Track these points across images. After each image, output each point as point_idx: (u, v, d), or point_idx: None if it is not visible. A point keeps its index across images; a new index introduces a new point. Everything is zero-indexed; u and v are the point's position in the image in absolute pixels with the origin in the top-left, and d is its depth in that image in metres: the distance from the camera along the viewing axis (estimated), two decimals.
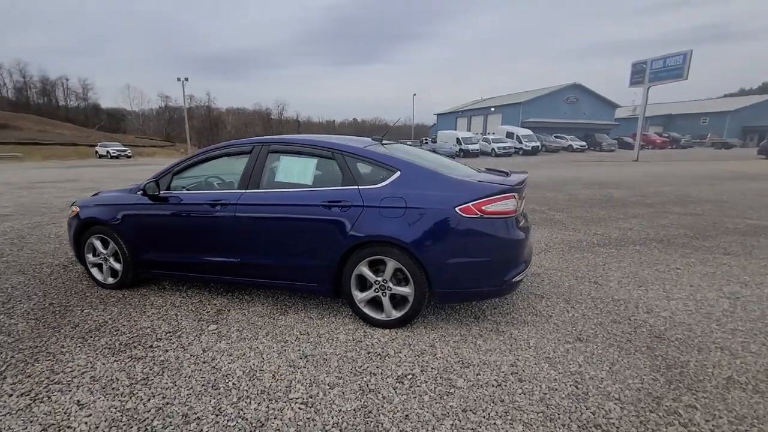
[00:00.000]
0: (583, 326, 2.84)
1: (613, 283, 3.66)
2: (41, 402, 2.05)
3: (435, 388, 2.16)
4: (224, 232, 3.13)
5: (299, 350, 2.56)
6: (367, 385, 2.19)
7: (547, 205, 8.02)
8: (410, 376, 2.27)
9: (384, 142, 3.53)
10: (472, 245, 2.63)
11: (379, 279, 2.78)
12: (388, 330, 2.81)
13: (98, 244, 3.61)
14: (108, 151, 33.64)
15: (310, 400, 2.07)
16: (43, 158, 33.82)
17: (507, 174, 3.20)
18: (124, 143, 41.17)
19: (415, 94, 52.40)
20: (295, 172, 3.06)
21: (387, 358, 2.46)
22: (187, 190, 3.42)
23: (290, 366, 2.38)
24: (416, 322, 2.93)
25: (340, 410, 1.99)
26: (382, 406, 2.01)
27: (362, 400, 2.06)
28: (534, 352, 2.51)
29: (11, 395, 2.10)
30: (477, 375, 2.27)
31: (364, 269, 2.80)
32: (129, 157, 34.19)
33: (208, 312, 3.14)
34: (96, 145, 37.67)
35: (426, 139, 44.68)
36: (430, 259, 2.64)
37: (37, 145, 46.00)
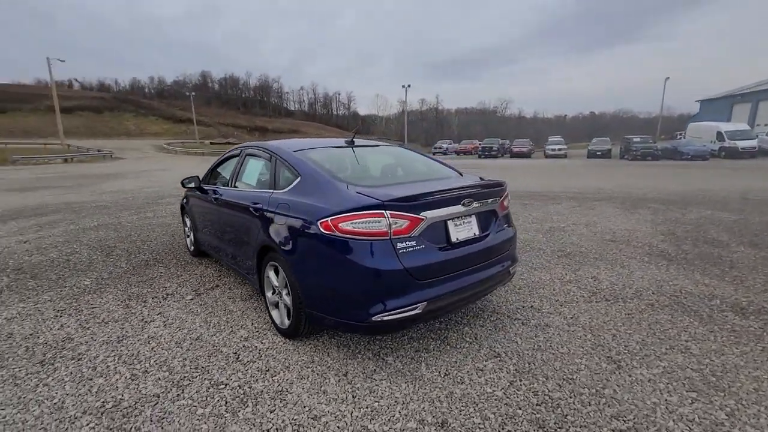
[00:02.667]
0: (475, 410, 1.95)
1: (641, 371, 2.24)
2: (60, 316, 3.14)
3: (221, 407, 2.05)
4: (216, 221, 3.72)
5: (201, 334, 2.86)
6: (187, 380, 2.28)
7: (750, 235, 5.19)
8: (223, 386, 2.21)
9: (357, 143, 3.33)
10: (329, 266, 2.25)
11: (278, 285, 2.74)
12: (286, 339, 2.74)
13: (187, 221, 4.90)
14: None
15: (135, 373, 2.35)
16: None
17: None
18: None
19: (668, 78, 41.33)
20: (250, 173, 3.32)
21: (237, 363, 2.45)
22: (222, 185, 4.20)
23: (177, 344, 2.71)
24: (333, 340, 2.72)
25: (137, 390, 2.19)
26: (164, 403, 2.09)
27: (163, 390, 2.19)
28: (360, 413, 1.95)
29: (54, 309, 3.30)
30: (269, 413, 2.00)
31: (270, 272, 2.81)
32: None
33: (206, 286, 3.83)
34: None
35: (680, 134, 34.97)
36: (297, 274, 2.42)
37: None
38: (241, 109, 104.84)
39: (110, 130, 61.12)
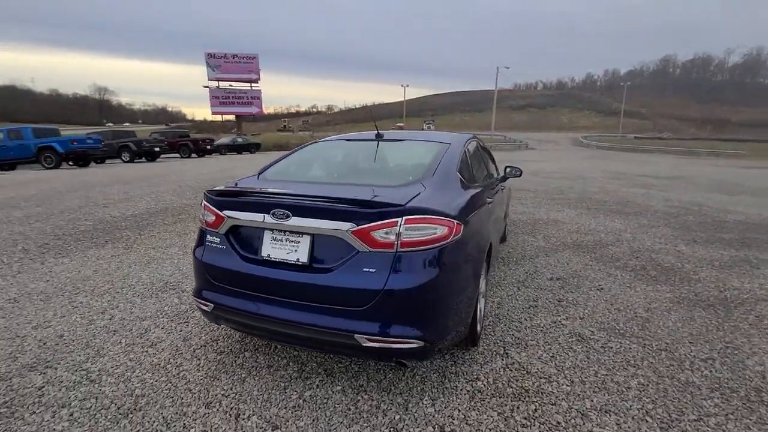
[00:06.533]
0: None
1: None
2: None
3: (107, 326, 2.92)
4: None
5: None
6: (139, 297, 3.34)
7: None
8: (136, 320, 3.05)
9: (387, 137, 3.17)
10: None
11: None
12: None
13: None
14: None
15: (137, 289, 3.61)
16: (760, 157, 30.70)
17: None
18: None
19: None
20: None
21: (173, 310, 3.18)
22: None
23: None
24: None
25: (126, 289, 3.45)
26: (101, 298, 3.22)
27: (116, 296, 3.33)
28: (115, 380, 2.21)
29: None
30: (102, 345, 2.66)
31: None
32: None
33: None
34: None
35: None
36: None
37: None
38: (704, 97, 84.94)
39: (547, 123, 68.67)
